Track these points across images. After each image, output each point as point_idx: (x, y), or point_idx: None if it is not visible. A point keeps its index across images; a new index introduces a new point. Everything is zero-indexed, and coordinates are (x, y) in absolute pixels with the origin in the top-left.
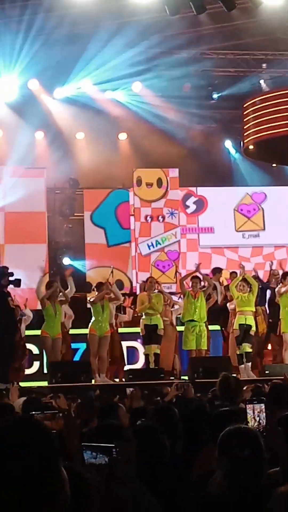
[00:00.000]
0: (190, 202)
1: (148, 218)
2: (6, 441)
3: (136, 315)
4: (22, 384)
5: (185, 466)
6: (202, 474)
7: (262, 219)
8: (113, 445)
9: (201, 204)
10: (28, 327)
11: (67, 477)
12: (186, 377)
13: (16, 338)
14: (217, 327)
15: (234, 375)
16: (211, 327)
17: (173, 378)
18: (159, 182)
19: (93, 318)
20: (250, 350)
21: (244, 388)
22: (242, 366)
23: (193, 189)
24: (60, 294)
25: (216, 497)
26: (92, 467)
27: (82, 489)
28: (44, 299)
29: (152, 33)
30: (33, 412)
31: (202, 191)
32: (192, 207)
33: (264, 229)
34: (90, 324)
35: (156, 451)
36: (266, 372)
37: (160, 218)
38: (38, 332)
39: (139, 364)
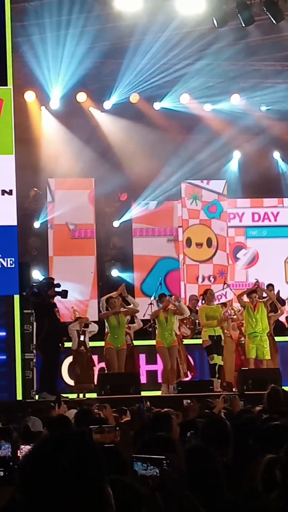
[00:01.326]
0: (241, 254)
1: (199, 279)
2: (52, 457)
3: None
4: (71, 396)
5: (236, 478)
6: (254, 486)
7: None
8: (164, 457)
9: (252, 257)
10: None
11: (111, 492)
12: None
13: (75, 349)
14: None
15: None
16: (278, 338)
17: (221, 390)
18: (209, 242)
19: (157, 331)
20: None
21: None
22: None
23: (243, 240)
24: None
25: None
26: (144, 479)
27: (133, 501)
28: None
29: (202, 44)
30: (90, 426)
31: (252, 243)
32: (243, 260)
33: None
34: (157, 337)
35: (208, 470)
36: None
37: (211, 278)
38: (100, 343)
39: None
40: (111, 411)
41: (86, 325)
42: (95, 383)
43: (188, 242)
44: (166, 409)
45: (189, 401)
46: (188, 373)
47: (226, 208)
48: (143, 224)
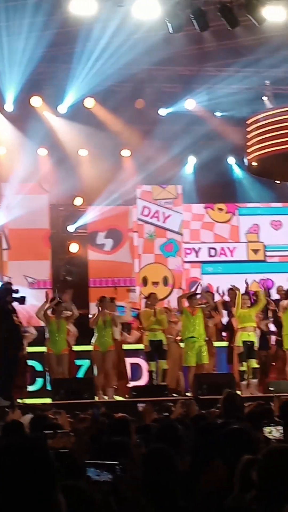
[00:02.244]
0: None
1: None
2: (4, 463)
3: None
4: (26, 401)
5: (191, 483)
6: (210, 491)
7: None
8: (117, 462)
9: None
10: (32, 344)
11: (63, 499)
12: (189, 394)
13: (19, 355)
14: (223, 344)
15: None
16: (216, 344)
17: (176, 395)
18: (165, 281)
19: (96, 335)
20: (257, 365)
21: (246, 405)
22: (244, 382)
23: (199, 275)
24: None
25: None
26: (97, 485)
27: (86, 506)
28: (47, 314)
29: (154, 50)
30: (45, 431)
31: (208, 278)
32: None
33: None
34: (93, 340)
35: (166, 473)
36: (270, 388)
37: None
38: (42, 349)
39: (143, 381)
40: (66, 418)
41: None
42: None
43: (144, 281)
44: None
45: (144, 405)
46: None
47: (182, 246)
48: (99, 232)
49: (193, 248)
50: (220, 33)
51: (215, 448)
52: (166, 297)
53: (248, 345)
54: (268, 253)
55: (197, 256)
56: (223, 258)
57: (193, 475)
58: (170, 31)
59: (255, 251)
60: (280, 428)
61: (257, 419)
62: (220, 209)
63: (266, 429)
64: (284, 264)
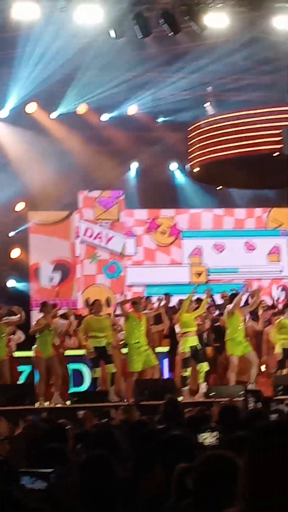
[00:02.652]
0: None
1: None
2: None
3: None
4: None
5: (131, 490)
6: (149, 498)
7: None
8: (51, 470)
9: None
10: None
11: None
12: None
13: None
14: (164, 349)
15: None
16: (158, 349)
17: (119, 400)
18: (107, 302)
19: (37, 340)
20: (208, 368)
21: (186, 410)
22: (185, 388)
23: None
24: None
25: None
26: (32, 492)
27: None
28: None
29: (97, 55)
30: None
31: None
32: None
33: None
34: (35, 346)
35: (104, 480)
36: (211, 394)
37: None
38: None
39: (84, 387)
40: (6, 425)
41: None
42: None
43: (87, 302)
44: (61, 420)
45: (84, 412)
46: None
47: (124, 268)
48: (42, 235)
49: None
50: (163, 39)
51: (155, 455)
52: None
53: (194, 349)
54: (211, 276)
55: (140, 278)
56: (166, 280)
57: (133, 481)
58: (112, 37)
59: (198, 274)
60: (215, 433)
61: (197, 425)
62: (163, 233)
63: (202, 435)
64: (227, 286)
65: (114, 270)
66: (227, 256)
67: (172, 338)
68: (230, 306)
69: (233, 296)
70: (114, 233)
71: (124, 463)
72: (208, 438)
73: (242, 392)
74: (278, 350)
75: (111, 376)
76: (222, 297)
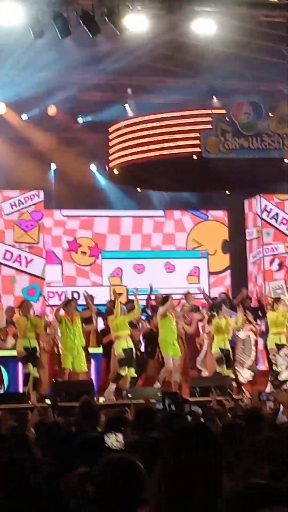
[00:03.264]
0: None
1: None
2: None
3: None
4: None
5: (47, 493)
6: (65, 502)
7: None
8: None
9: None
10: None
11: None
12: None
13: None
14: (98, 350)
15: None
16: (92, 350)
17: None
18: None
19: None
20: (136, 375)
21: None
22: (110, 386)
23: None
24: None
25: None
26: None
27: None
28: None
29: (19, 54)
30: None
31: None
32: None
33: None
34: None
35: (17, 484)
36: (129, 396)
37: None
38: None
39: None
40: None
41: None
42: None
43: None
44: None
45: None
46: None
47: (45, 291)
48: None
49: (56, 292)
50: (83, 40)
51: (69, 457)
52: None
53: (128, 352)
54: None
55: (60, 300)
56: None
57: (50, 484)
58: (32, 37)
59: (118, 294)
60: (120, 436)
61: (113, 427)
62: (84, 253)
63: (108, 438)
64: None
65: (34, 293)
66: (147, 276)
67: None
68: (162, 308)
69: (166, 298)
70: (33, 256)
71: (39, 466)
72: (113, 440)
73: (159, 394)
74: (215, 350)
75: (33, 380)
76: (155, 299)
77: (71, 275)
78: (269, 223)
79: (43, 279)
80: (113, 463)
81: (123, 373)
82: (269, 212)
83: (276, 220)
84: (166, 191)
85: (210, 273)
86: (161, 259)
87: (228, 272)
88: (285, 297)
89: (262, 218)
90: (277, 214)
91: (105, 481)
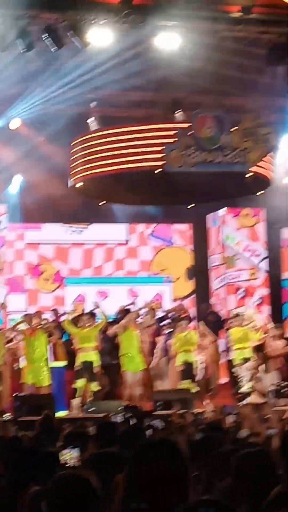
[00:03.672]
0: None
1: None
2: None
3: None
4: None
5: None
6: None
7: None
8: None
9: None
10: None
11: None
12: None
13: None
14: (61, 364)
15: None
16: (54, 364)
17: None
18: None
19: None
20: (97, 388)
21: (66, 426)
22: (74, 400)
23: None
24: None
25: None
26: None
27: None
28: None
29: None
30: None
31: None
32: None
33: None
34: None
35: None
36: (90, 409)
37: None
38: None
39: None
40: None
41: None
42: None
43: None
44: None
45: None
46: None
47: (5, 318)
48: None
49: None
50: (46, 54)
51: (28, 473)
52: None
53: (87, 365)
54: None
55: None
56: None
57: (9, 500)
58: None
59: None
60: (75, 452)
61: (72, 441)
62: (46, 279)
63: (63, 454)
64: None
65: None
66: (110, 302)
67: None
68: (123, 321)
69: (127, 311)
70: None
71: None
72: (67, 457)
73: (121, 407)
74: (178, 363)
75: None
76: (119, 312)
77: (33, 300)
78: (233, 249)
79: (5, 308)
80: (64, 480)
81: (77, 386)
82: (233, 237)
83: (241, 246)
84: (129, 205)
85: (174, 299)
86: (125, 284)
87: (192, 297)
88: (248, 314)
89: (226, 245)
90: (241, 240)
91: (56, 499)
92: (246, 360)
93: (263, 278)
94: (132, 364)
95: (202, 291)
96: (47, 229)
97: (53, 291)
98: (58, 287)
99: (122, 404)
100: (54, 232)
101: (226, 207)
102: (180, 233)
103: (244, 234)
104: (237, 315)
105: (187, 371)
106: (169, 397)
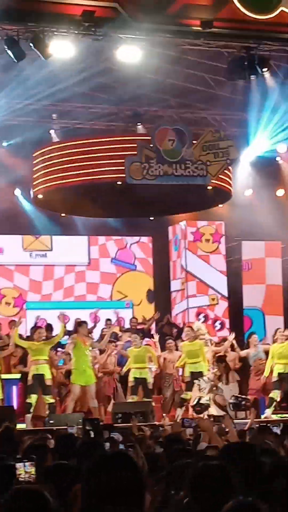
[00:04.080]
0: None
1: None
2: None
3: None
4: None
5: None
6: None
7: None
8: None
9: None
10: None
11: None
12: None
13: None
14: (15, 376)
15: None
16: (6, 376)
17: None
18: None
19: None
20: (52, 400)
21: (26, 438)
22: (28, 415)
23: None
24: None
25: None
26: None
27: None
28: None
29: None
30: None
31: None
32: None
33: None
34: None
35: None
36: (51, 422)
37: None
38: None
39: None
40: None
41: None
42: None
43: None
44: None
45: None
46: None
47: None
48: None
49: None
50: (7, 65)
51: None
52: None
53: (39, 378)
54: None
55: None
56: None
57: None
58: None
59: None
60: (29, 465)
61: (31, 454)
62: (8, 303)
63: (18, 468)
64: None
65: None
66: (71, 327)
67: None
68: (74, 336)
69: (80, 323)
70: None
71: None
72: (21, 471)
73: (81, 420)
74: (130, 378)
75: None
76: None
77: None
78: (193, 275)
79: None
80: (19, 494)
81: (29, 400)
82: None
83: (201, 271)
84: (89, 217)
85: (137, 323)
86: (86, 309)
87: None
88: (196, 325)
89: (186, 271)
90: (202, 265)
91: None
92: (194, 374)
93: (223, 304)
94: (83, 378)
95: (163, 316)
96: (8, 250)
97: (14, 315)
98: (19, 311)
99: (82, 416)
100: (16, 255)
101: (186, 220)
102: (141, 260)
103: (204, 253)
104: (188, 328)
105: (136, 386)
106: (129, 409)
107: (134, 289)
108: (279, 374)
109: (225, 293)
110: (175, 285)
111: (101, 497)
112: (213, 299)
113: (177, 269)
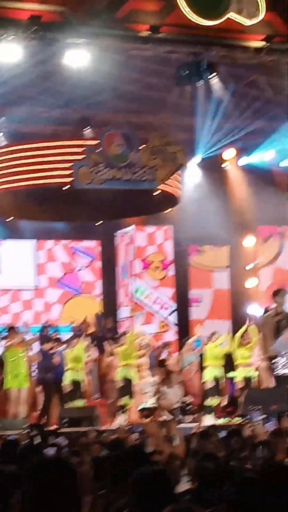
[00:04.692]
0: None
1: None
2: None
3: None
4: None
5: None
6: None
7: None
8: None
9: None
10: None
11: None
12: None
13: None
14: None
15: None
16: None
17: None
18: None
19: None
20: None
21: None
22: None
23: None
24: None
25: None
26: None
27: None
28: None
29: None
30: None
31: None
32: None
33: None
34: None
35: None
36: None
37: None
38: None
39: None
40: None
41: None
42: None
43: None
44: None
45: None
46: None
47: None
48: None
49: None
50: None
51: None
52: None
53: None
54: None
55: None
56: None
57: None
58: None
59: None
60: None
61: None
62: None
63: None
64: None
65: None
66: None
67: None
68: (10, 341)
69: (12, 329)
70: None
71: None
72: None
73: (26, 425)
74: (66, 382)
75: None
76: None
77: None
78: (143, 303)
79: None
80: None
81: None
82: (142, 291)
83: (150, 299)
84: (36, 221)
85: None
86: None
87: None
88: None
89: (136, 298)
90: (150, 293)
91: None
92: (126, 379)
93: (173, 331)
94: (16, 381)
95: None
96: None
97: None
98: None
99: (27, 422)
100: None
101: (134, 225)
102: (88, 284)
103: (153, 284)
104: (123, 333)
105: (75, 389)
106: (75, 414)
107: (82, 314)
108: (215, 378)
109: (174, 321)
110: (123, 312)
111: (39, 502)
112: (162, 326)
113: (125, 297)
